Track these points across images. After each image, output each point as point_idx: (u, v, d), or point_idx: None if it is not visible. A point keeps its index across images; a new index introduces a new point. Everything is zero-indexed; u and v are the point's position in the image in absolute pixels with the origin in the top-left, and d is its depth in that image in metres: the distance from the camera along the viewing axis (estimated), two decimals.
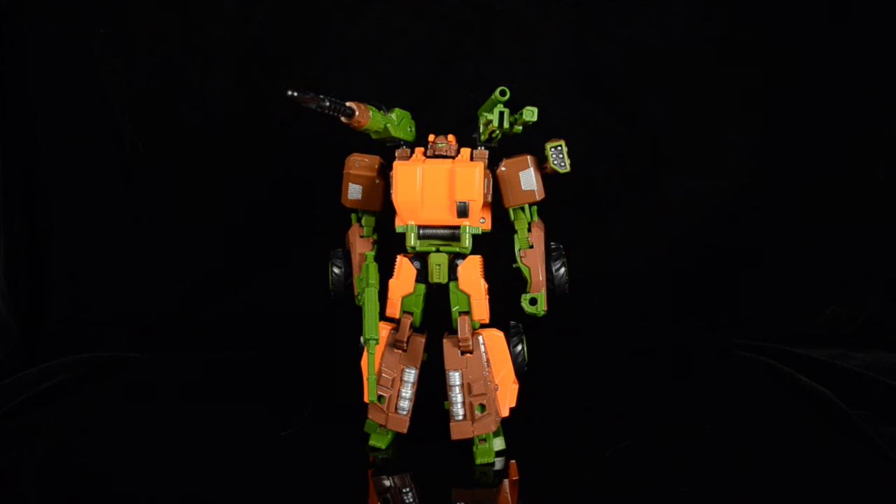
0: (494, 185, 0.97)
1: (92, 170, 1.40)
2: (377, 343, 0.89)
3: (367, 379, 0.90)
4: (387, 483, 0.91)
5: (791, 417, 1.10)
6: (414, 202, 0.92)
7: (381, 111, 0.92)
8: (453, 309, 0.95)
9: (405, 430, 0.95)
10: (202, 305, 1.42)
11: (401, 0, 1.37)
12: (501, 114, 0.89)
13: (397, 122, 0.95)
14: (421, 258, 0.96)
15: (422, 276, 0.96)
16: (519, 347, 0.97)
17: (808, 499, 0.88)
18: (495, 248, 0.98)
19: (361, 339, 0.90)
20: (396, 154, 0.97)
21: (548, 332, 1.10)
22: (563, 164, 0.94)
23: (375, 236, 1.01)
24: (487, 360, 0.95)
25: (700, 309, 1.41)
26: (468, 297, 0.94)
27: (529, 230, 0.97)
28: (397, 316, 0.96)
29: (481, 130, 0.96)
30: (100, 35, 1.35)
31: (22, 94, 1.37)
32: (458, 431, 0.94)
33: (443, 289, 0.95)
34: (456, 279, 0.94)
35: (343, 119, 0.86)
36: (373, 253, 1.00)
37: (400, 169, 0.92)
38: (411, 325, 0.96)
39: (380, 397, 0.95)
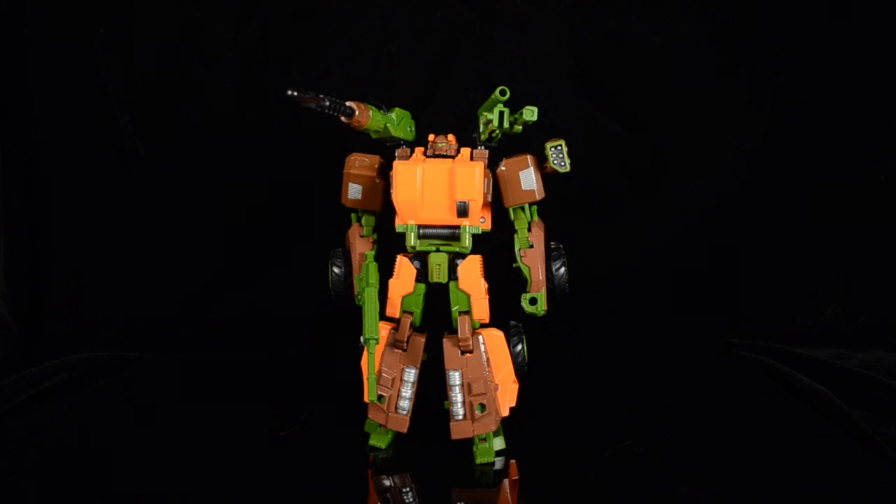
0: (494, 185, 0.97)
1: (92, 170, 1.40)
2: (377, 343, 0.89)
3: (367, 379, 0.90)
4: (387, 483, 0.91)
5: (791, 417, 1.09)
6: (414, 202, 0.92)
7: (381, 111, 0.92)
8: (453, 309, 0.95)
9: (405, 430, 0.95)
10: (202, 305, 1.42)
11: (401, 0, 1.37)
12: (501, 113, 0.89)
13: (397, 122, 0.95)
14: (421, 258, 0.96)
15: (422, 275, 0.95)
16: (519, 347, 0.97)
17: (808, 499, 0.88)
18: (495, 248, 0.98)
19: (361, 339, 0.90)
20: (396, 154, 0.96)
21: (548, 332, 1.10)
22: (563, 163, 0.94)
23: (375, 236, 1.01)
24: (487, 360, 0.94)
25: (700, 309, 1.41)
26: (468, 296, 0.94)
27: (529, 230, 0.97)
28: (397, 316, 0.96)
29: (481, 130, 0.96)
30: (100, 35, 1.35)
31: (22, 93, 1.37)
32: (458, 431, 0.94)
33: (443, 288, 0.95)
34: (456, 279, 0.94)
35: (343, 119, 0.86)
36: (373, 253, 1.00)
37: (400, 168, 0.92)
38: (411, 325, 0.95)
39: (380, 397, 0.95)
